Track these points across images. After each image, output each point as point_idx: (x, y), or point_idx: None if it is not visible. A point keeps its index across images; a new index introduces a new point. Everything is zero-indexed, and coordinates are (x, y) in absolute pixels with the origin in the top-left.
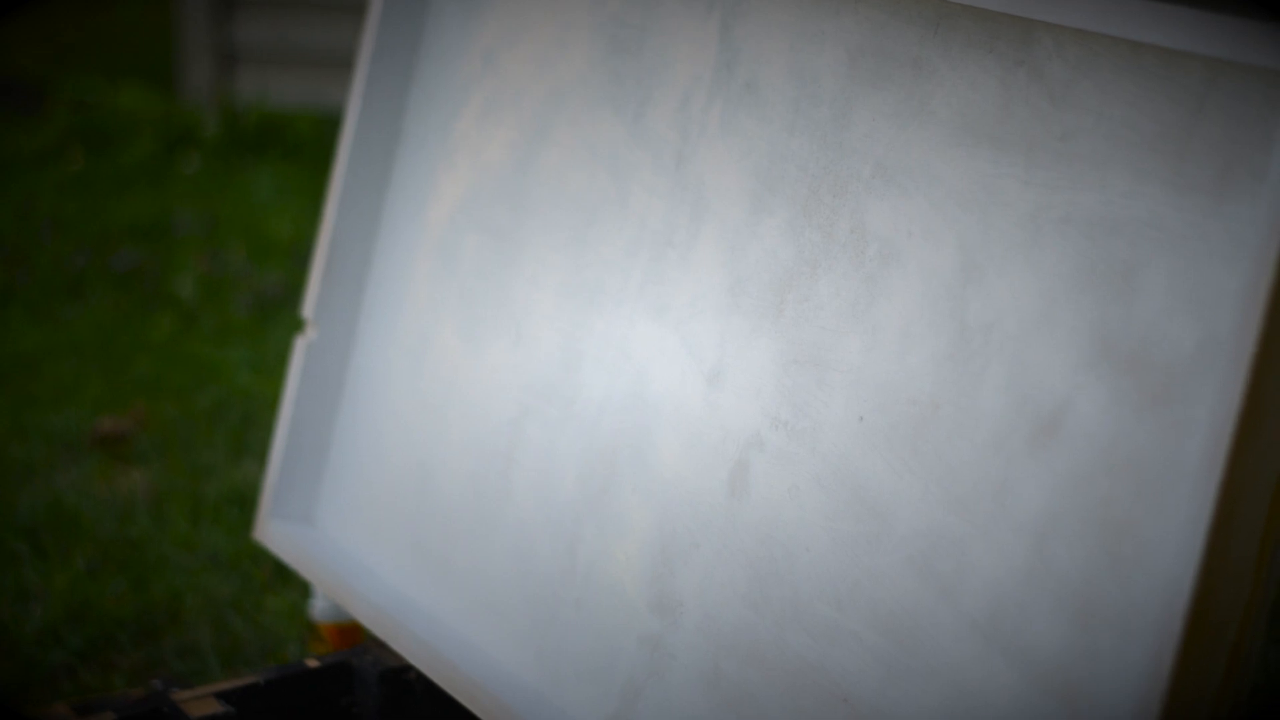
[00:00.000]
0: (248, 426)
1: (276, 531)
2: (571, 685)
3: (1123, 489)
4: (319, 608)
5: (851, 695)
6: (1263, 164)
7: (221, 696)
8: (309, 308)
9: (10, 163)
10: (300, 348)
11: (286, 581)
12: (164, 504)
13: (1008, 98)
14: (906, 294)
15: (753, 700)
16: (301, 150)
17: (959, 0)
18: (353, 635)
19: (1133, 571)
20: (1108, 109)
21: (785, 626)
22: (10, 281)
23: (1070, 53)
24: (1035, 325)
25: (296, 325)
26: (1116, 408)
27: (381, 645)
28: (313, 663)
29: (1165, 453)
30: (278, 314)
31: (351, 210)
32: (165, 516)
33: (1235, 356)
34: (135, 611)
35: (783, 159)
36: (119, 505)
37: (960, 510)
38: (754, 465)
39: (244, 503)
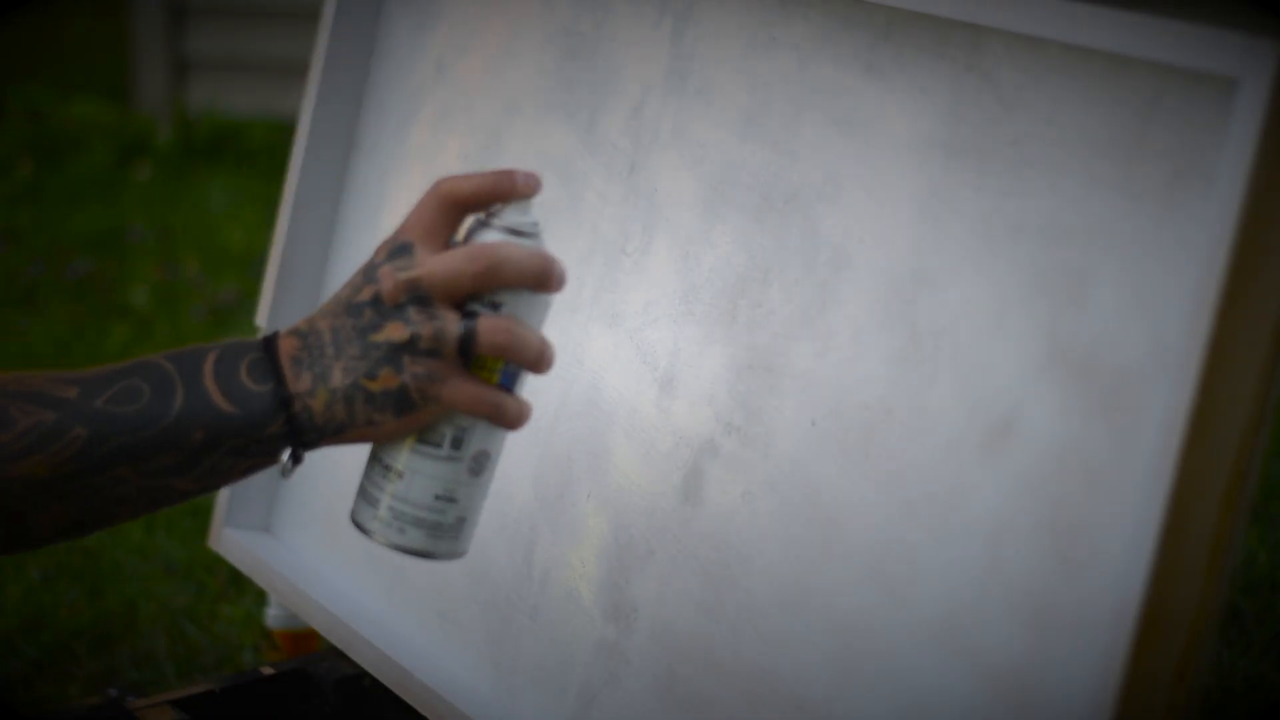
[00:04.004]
0: None
1: (232, 540)
2: (527, 692)
3: (1074, 492)
4: (274, 616)
5: (805, 700)
6: (1212, 170)
7: (177, 705)
8: (262, 316)
9: None
10: None
11: (241, 590)
12: None
13: (958, 103)
14: (858, 300)
15: (707, 706)
16: (255, 159)
17: (908, 6)
18: (308, 643)
19: (1085, 574)
20: (1058, 115)
21: (739, 632)
22: None
23: (1020, 58)
24: (987, 331)
25: (251, 334)
26: (1068, 412)
27: (337, 653)
28: (268, 670)
29: (1116, 456)
30: (232, 322)
31: (305, 218)
32: (120, 526)
33: (1185, 360)
34: (90, 621)
35: (735, 166)
36: None
37: (912, 514)
38: (708, 471)
39: (198, 511)
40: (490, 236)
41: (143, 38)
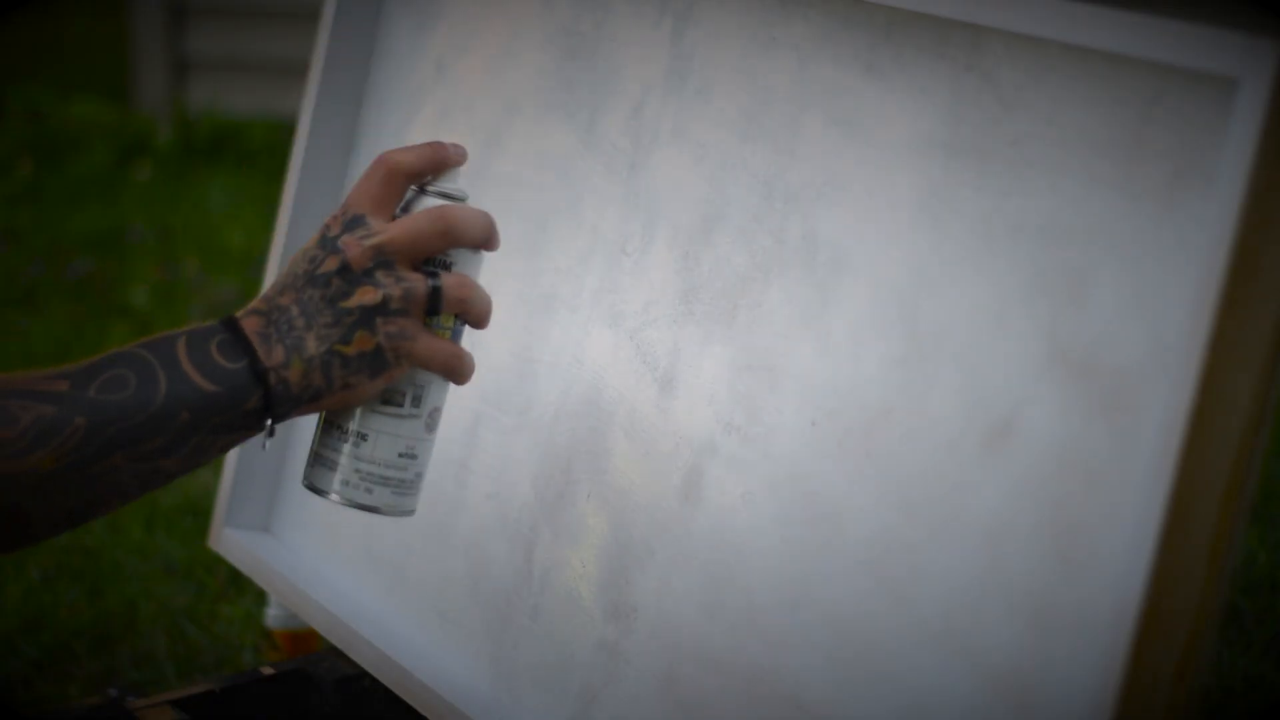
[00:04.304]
0: None
1: (232, 540)
2: (527, 691)
3: (1074, 492)
4: (274, 615)
5: (805, 700)
6: (1212, 170)
7: (177, 705)
8: None
9: None
10: None
11: (241, 590)
12: (118, 513)
13: (958, 103)
14: (858, 300)
15: (708, 705)
16: (255, 159)
17: (908, 6)
18: (308, 643)
19: (1085, 574)
20: (1058, 114)
21: (739, 631)
22: None
23: (1020, 58)
24: (987, 331)
25: None
26: (1068, 412)
27: (337, 653)
28: (268, 670)
29: (1116, 456)
30: None
31: (305, 219)
32: (120, 525)
33: (1185, 360)
34: (90, 621)
35: (735, 166)
36: None
37: (912, 514)
38: (707, 471)
39: (198, 511)
40: (429, 202)
41: (143, 38)
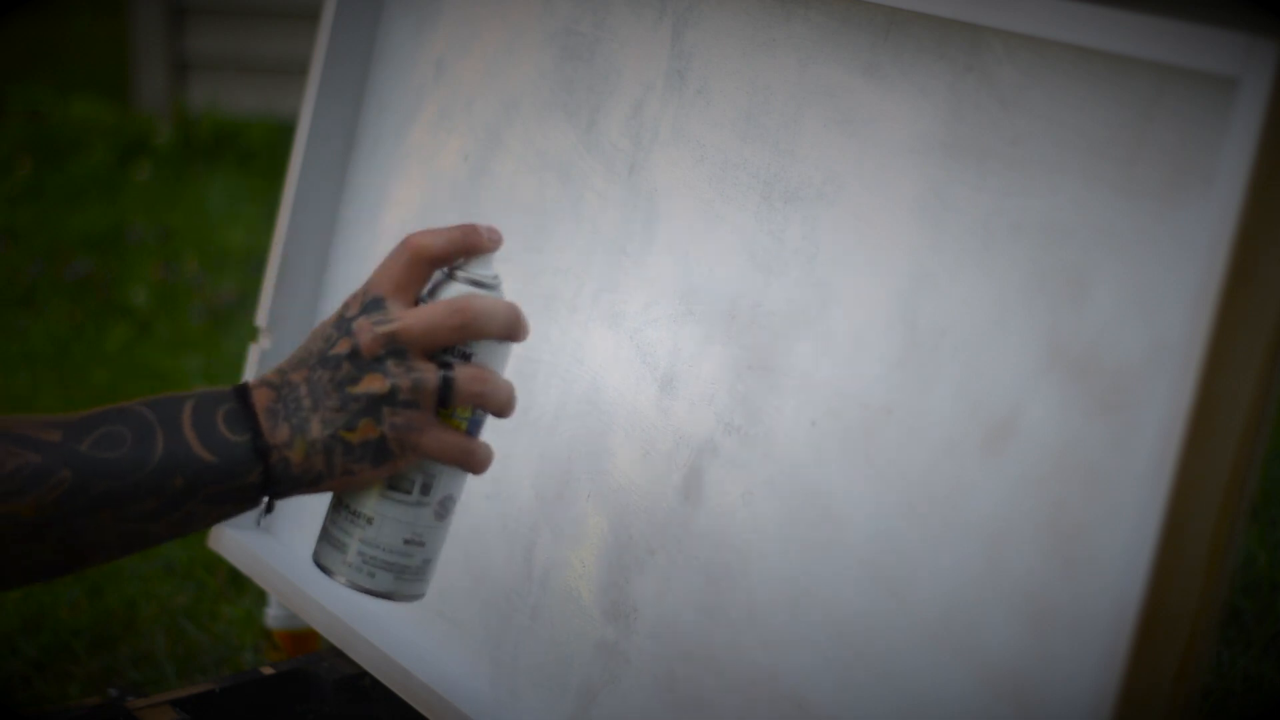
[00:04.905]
0: None
1: (232, 539)
2: (527, 691)
3: (1074, 492)
4: (274, 615)
5: (806, 700)
6: (1212, 170)
7: (177, 704)
8: (262, 316)
9: None
10: (254, 356)
11: (241, 590)
12: None
13: (958, 103)
14: (858, 300)
15: (708, 706)
16: (255, 158)
17: (908, 6)
18: (308, 642)
19: (1085, 574)
20: (1058, 114)
21: (739, 632)
22: None
23: (1020, 58)
24: (987, 331)
25: (251, 334)
26: (1068, 412)
27: (337, 653)
28: (268, 670)
29: (1116, 456)
30: (232, 323)
31: (305, 218)
32: None
33: (1184, 360)
34: (90, 620)
35: (735, 166)
36: None
37: (913, 514)
38: (707, 471)
39: None
40: (456, 289)
41: (143, 38)
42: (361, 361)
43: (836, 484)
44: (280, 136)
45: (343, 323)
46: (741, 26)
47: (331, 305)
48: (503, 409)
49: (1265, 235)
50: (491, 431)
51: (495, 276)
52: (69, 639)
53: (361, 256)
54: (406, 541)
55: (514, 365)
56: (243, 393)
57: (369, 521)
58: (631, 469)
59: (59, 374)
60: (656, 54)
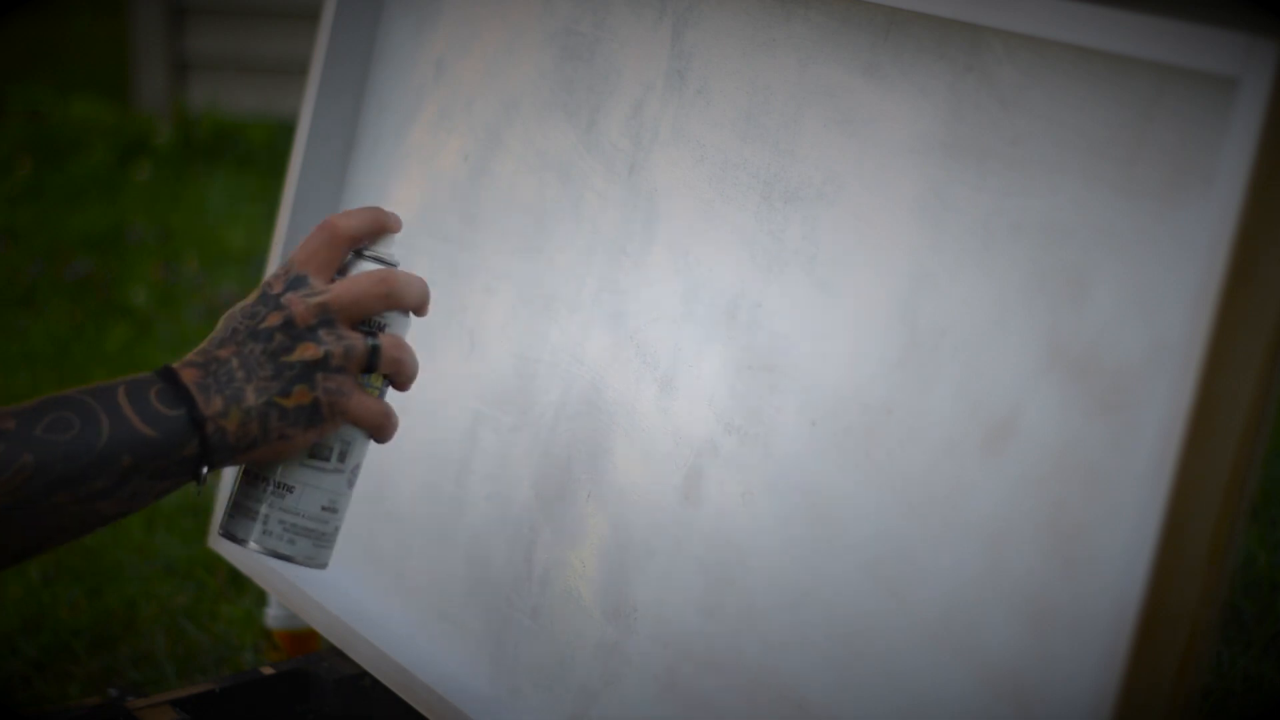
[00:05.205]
0: None
1: None
2: (527, 692)
3: (1074, 493)
4: (274, 615)
5: (806, 700)
6: (1212, 170)
7: (177, 704)
8: None
9: None
10: None
11: (241, 589)
12: None
13: (958, 103)
14: (858, 300)
15: (708, 706)
16: (255, 158)
17: (908, 6)
18: (308, 643)
19: (1085, 574)
20: (1058, 114)
21: (740, 632)
22: None
23: (1020, 58)
24: (987, 331)
25: None
26: (1068, 412)
27: (337, 653)
28: (268, 670)
29: (1116, 457)
30: None
31: (305, 218)
32: (120, 524)
33: (1184, 361)
34: (90, 620)
35: (735, 166)
36: None
37: (912, 515)
38: (707, 471)
39: (198, 511)
40: (366, 266)
41: (143, 38)
42: (295, 331)
43: (836, 484)
44: (280, 136)
45: (269, 299)
46: (741, 26)
47: None
48: (409, 380)
49: (1265, 235)
50: (493, 430)
51: (394, 257)
52: (69, 639)
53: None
54: (324, 508)
55: (515, 366)
56: (169, 373)
57: (289, 490)
58: (631, 469)
59: (59, 374)
60: (656, 54)
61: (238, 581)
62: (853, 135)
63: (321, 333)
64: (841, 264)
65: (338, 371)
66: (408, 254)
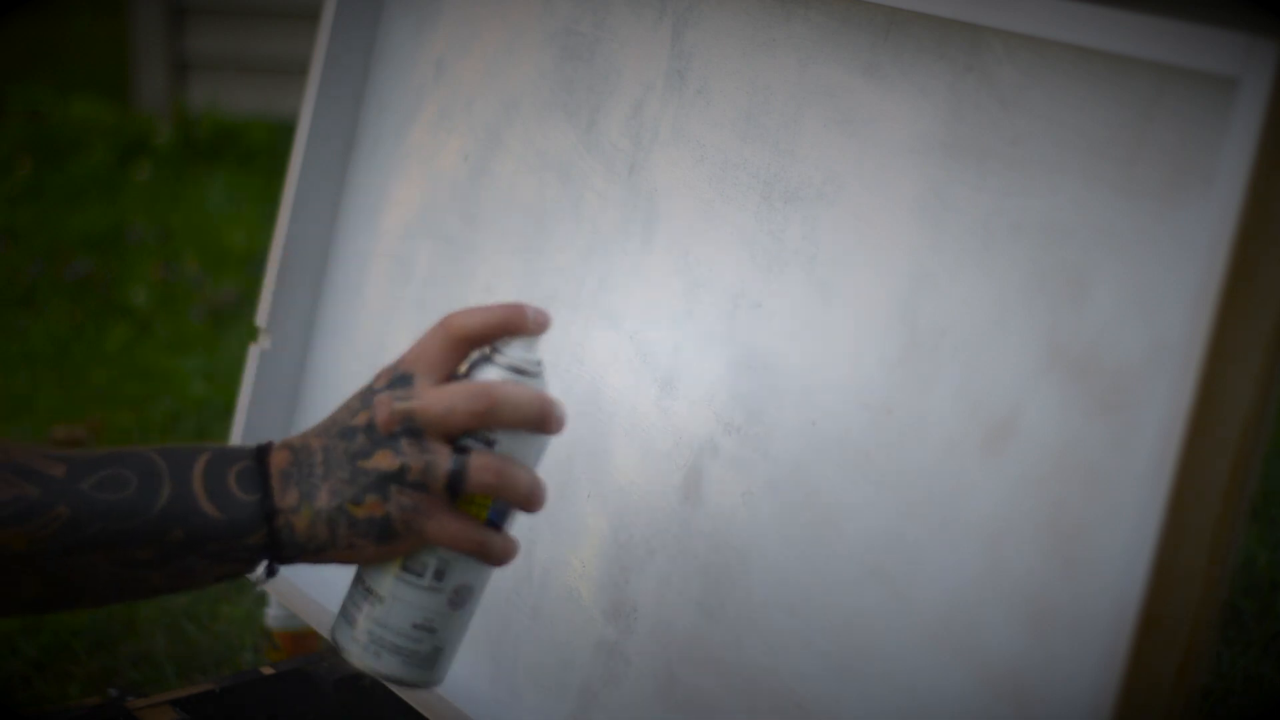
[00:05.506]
0: (202, 436)
1: None
2: (527, 692)
3: (1074, 492)
4: (274, 615)
5: (805, 700)
6: (1212, 170)
7: (177, 704)
8: (262, 316)
9: None
10: (254, 356)
11: (241, 590)
12: None
13: (958, 103)
14: (858, 300)
15: (708, 707)
16: (255, 158)
17: (908, 6)
18: (308, 643)
19: (1085, 574)
20: (1058, 114)
21: (740, 632)
22: None
23: (1020, 58)
24: (987, 331)
25: (251, 334)
26: (1068, 412)
27: (337, 653)
28: (268, 670)
29: (1116, 456)
30: (232, 323)
31: (305, 218)
32: None
33: (1184, 361)
34: (90, 620)
35: (735, 166)
36: None
37: (912, 514)
38: (707, 471)
39: None
40: (492, 372)
41: (143, 38)
42: (376, 436)
43: (836, 484)
44: (280, 136)
45: (368, 394)
46: (741, 26)
47: (331, 305)
48: (525, 503)
49: (1265, 235)
50: None
51: (538, 363)
52: (69, 639)
53: (361, 256)
54: (415, 626)
55: None
56: (262, 452)
57: (380, 600)
58: (631, 469)
59: (59, 374)
60: (656, 54)
61: (237, 582)
62: (853, 135)
63: (404, 443)
64: (841, 264)
65: (415, 488)
66: (411, 252)
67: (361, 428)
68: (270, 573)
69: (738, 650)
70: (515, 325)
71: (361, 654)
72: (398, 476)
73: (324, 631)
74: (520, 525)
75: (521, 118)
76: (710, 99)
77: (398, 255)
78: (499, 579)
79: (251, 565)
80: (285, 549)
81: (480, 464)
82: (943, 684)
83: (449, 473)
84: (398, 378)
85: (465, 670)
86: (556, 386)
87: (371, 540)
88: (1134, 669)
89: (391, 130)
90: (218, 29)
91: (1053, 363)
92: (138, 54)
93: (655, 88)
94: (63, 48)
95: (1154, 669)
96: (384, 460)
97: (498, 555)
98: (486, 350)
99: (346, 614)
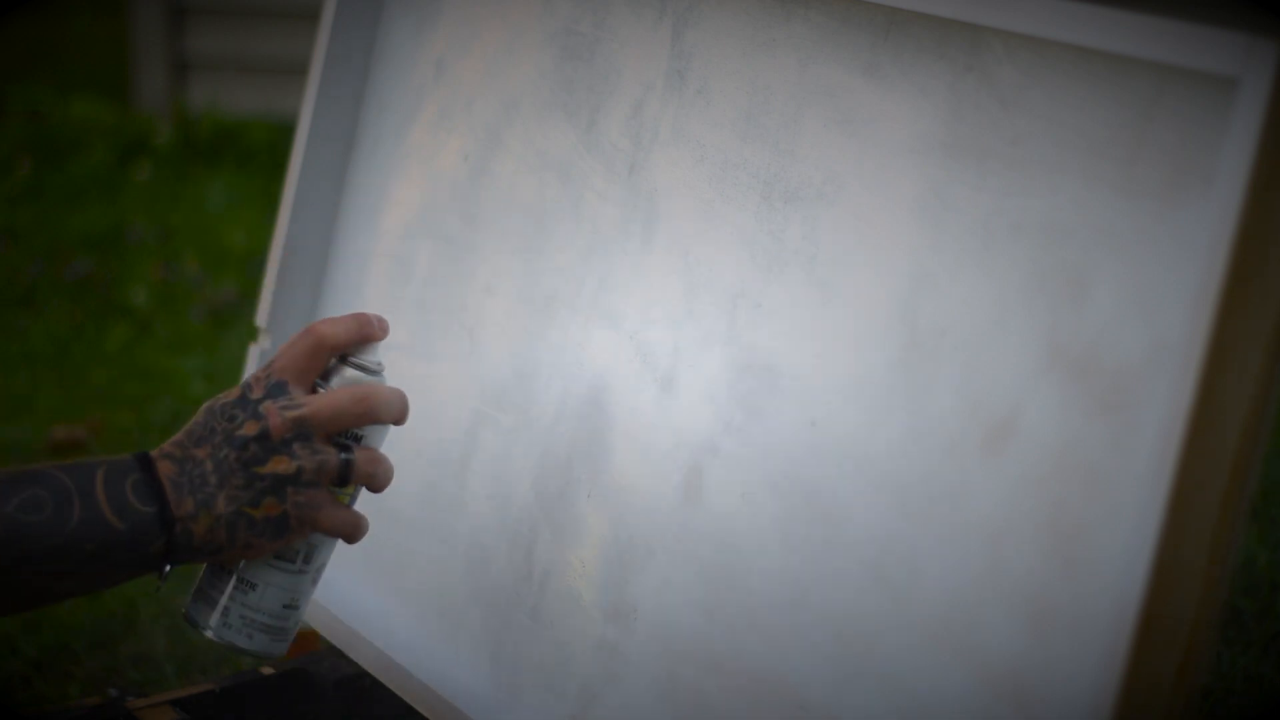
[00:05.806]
0: None
1: None
2: (528, 692)
3: (1074, 492)
4: None
5: (806, 700)
6: (1212, 170)
7: (177, 704)
8: (262, 316)
9: None
10: (254, 356)
11: None
12: None
13: (958, 103)
14: (858, 300)
15: (708, 706)
16: (255, 159)
17: (908, 6)
18: (308, 642)
19: (1085, 574)
20: (1058, 114)
21: (739, 632)
22: None
23: (1020, 58)
24: (987, 331)
25: (251, 334)
26: (1068, 412)
27: (337, 653)
28: (268, 670)
29: (1116, 456)
30: (232, 323)
31: (305, 218)
32: None
33: (1184, 360)
34: (90, 620)
35: (735, 166)
36: None
37: (912, 514)
38: (707, 471)
39: None
40: (350, 374)
41: (143, 38)
42: (270, 444)
43: (836, 484)
44: (280, 136)
45: (248, 404)
46: (741, 26)
47: (332, 305)
48: (384, 487)
49: (1265, 235)
50: (493, 430)
51: (379, 363)
52: (69, 639)
53: (361, 256)
54: (285, 606)
55: (516, 365)
56: (147, 463)
57: (253, 587)
58: (632, 469)
59: (59, 374)
60: (656, 54)
61: None
62: (853, 135)
63: (296, 447)
64: (841, 264)
65: (309, 486)
66: (410, 253)
67: (253, 437)
68: (163, 577)
69: (738, 650)
70: (367, 333)
71: (230, 634)
72: (294, 478)
73: (324, 632)
74: (520, 525)
75: (521, 118)
76: (710, 99)
77: (398, 255)
78: (499, 579)
79: (150, 569)
80: (182, 553)
81: (364, 458)
82: (943, 684)
83: (338, 468)
84: (274, 386)
85: (465, 670)
86: (558, 386)
87: (268, 538)
88: (1134, 669)
89: (391, 130)
90: (218, 29)
91: (1053, 363)
92: (138, 54)
93: (655, 88)
94: (63, 48)
95: (1154, 669)
96: (280, 465)
97: (363, 534)
98: (339, 356)
99: (207, 598)
